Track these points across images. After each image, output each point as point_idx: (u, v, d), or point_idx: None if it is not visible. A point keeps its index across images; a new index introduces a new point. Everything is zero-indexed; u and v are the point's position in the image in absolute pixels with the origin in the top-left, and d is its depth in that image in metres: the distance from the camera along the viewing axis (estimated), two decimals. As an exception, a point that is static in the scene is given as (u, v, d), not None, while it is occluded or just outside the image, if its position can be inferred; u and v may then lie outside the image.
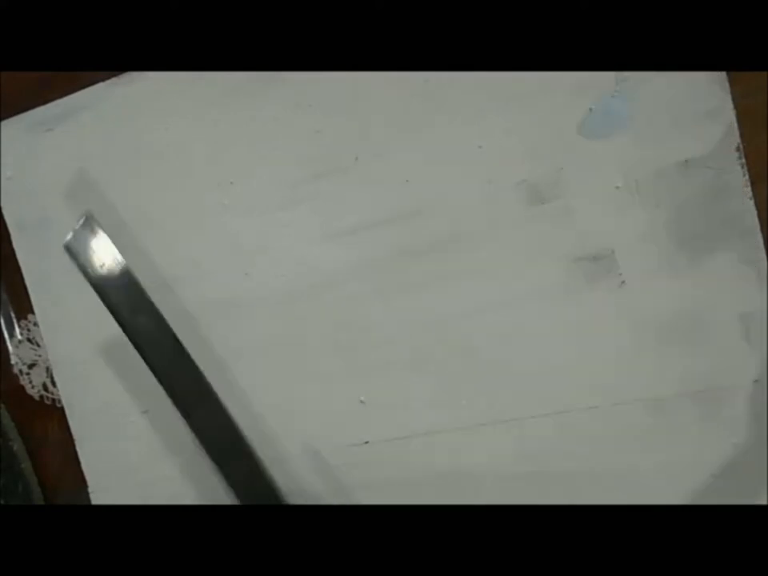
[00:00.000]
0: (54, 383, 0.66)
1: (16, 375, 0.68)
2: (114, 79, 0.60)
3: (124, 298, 0.52)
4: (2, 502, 0.66)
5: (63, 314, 0.65)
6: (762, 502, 0.49)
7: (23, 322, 0.67)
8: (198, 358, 0.61)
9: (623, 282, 0.50)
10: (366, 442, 0.57)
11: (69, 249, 0.51)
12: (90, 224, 0.52)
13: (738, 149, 0.47)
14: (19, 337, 0.68)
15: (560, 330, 0.52)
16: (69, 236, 0.51)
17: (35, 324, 0.66)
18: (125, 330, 0.52)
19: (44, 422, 0.67)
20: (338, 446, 0.58)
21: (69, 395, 0.66)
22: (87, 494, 0.66)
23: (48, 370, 0.66)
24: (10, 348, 0.68)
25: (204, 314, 0.60)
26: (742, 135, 0.47)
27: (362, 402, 0.57)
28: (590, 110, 0.50)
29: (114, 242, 0.62)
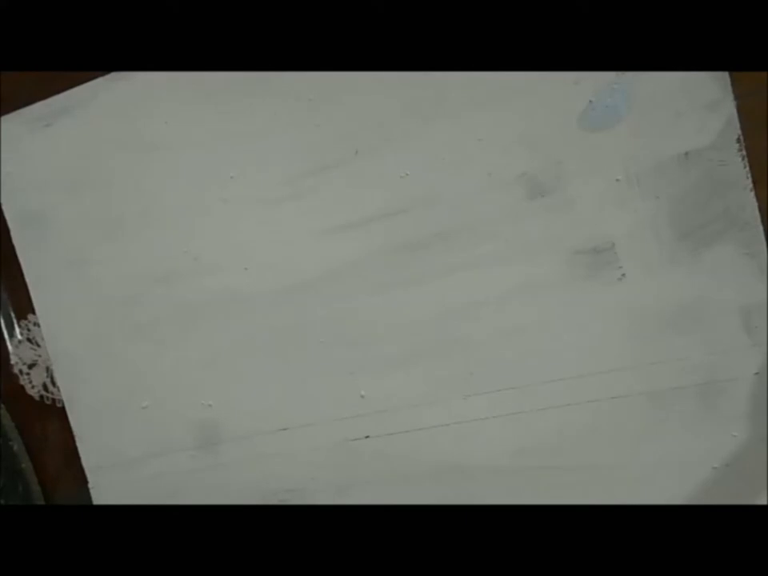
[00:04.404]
0: (54, 383, 0.66)
1: (16, 375, 0.68)
2: (112, 74, 0.60)
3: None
4: (2, 502, 0.66)
5: (63, 309, 0.65)
6: (762, 501, 0.49)
7: (23, 322, 0.67)
8: (198, 351, 0.61)
9: (623, 274, 0.50)
10: (367, 437, 0.57)
11: None
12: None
13: (738, 140, 0.47)
14: (19, 337, 0.67)
15: (560, 324, 0.52)
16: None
17: (35, 324, 0.66)
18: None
19: (44, 422, 0.67)
20: (338, 440, 0.58)
21: (69, 391, 0.66)
22: (87, 493, 0.65)
23: (48, 369, 0.66)
24: (10, 348, 0.68)
25: (204, 308, 0.60)
26: (742, 133, 0.47)
27: (362, 396, 0.57)
28: (590, 102, 0.50)
29: (114, 237, 0.62)
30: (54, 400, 0.67)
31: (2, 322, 0.68)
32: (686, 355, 0.49)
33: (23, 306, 0.67)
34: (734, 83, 0.47)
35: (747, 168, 0.47)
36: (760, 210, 0.47)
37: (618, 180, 0.50)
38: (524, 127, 0.51)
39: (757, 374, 0.49)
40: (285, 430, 0.59)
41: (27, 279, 0.66)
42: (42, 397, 0.67)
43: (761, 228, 0.47)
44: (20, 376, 0.68)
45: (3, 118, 0.64)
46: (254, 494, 0.61)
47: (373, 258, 0.55)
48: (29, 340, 0.67)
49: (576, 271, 0.51)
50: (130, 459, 0.64)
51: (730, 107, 0.47)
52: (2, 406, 0.68)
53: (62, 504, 0.67)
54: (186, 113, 0.59)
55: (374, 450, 0.57)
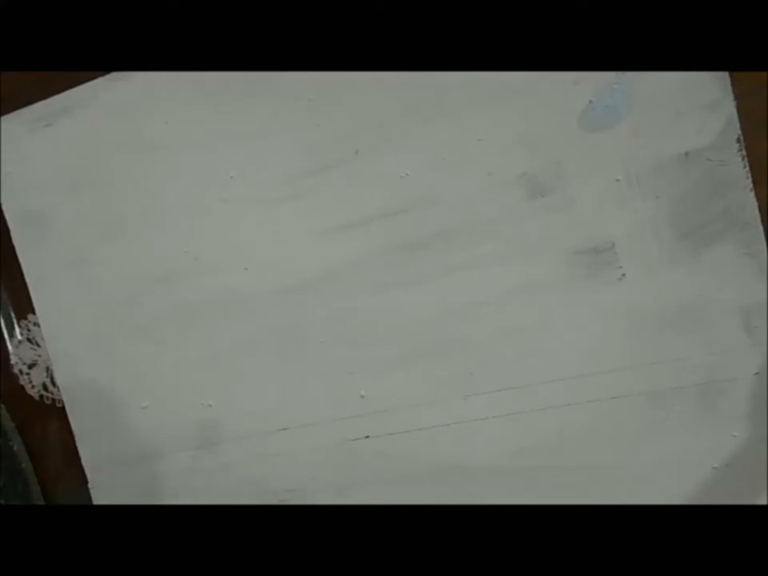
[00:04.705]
0: (54, 383, 0.66)
1: (16, 375, 0.68)
2: (112, 74, 0.60)
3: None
4: (2, 502, 0.66)
5: (63, 309, 0.65)
6: (762, 501, 0.49)
7: (23, 322, 0.67)
8: (198, 351, 0.61)
9: (623, 274, 0.50)
10: (367, 437, 0.57)
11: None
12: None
13: (738, 140, 0.47)
14: (19, 337, 0.67)
15: (560, 324, 0.52)
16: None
17: (35, 324, 0.66)
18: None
19: (44, 422, 0.67)
20: (338, 440, 0.58)
21: (69, 391, 0.66)
22: (87, 493, 0.65)
23: (48, 369, 0.66)
24: (10, 348, 0.68)
25: (204, 308, 0.60)
26: (742, 133, 0.47)
27: (362, 396, 0.57)
28: (590, 102, 0.50)
29: (114, 237, 0.62)
30: (54, 400, 0.67)
31: (2, 321, 0.68)
32: (686, 355, 0.49)
33: (23, 306, 0.66)
34: (734, 83, 0.47)
35: (747, 168, 0.47)
36: (760, 210, 0.47)
37: (618, 180, 0.50)
38: (524, 127, 0.51)
39: (757, 373, 0.49)
40: (285, 429, 0.59)
41: (27, 279, 0.66)
42: (41, 397, 0.67)
43: (761, 228, 0.47)
44: (20, 376, 0.68)
45: (3, 117, 0.64)
46: (254, 494, 0.61)
47: (373, 258, 0.55)
48: (29, 340, 0.67)
49: (576, 271, 0.51)
50: (130, 459, 0.64)
51: (729, 107, 0.47)
52: (2, 406, 0.68)
53: (62, 504, 0.67)
54: (186, 113, 0.59)
55: (373, 450, 0.57)
